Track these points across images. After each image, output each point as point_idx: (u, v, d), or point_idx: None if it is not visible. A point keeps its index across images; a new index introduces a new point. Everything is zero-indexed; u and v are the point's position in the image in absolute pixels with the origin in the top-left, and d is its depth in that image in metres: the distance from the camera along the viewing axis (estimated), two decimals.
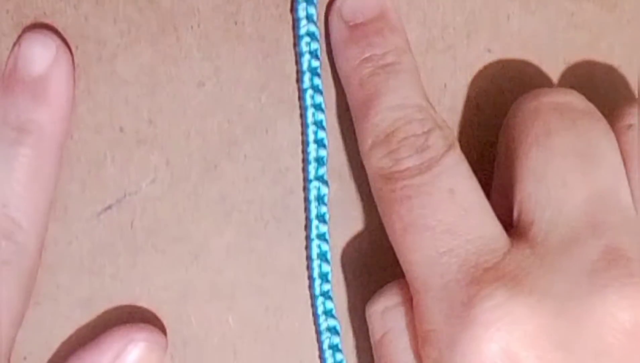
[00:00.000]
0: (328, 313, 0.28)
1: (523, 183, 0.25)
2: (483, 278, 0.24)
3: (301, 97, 0.28)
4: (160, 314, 0.28)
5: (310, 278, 0.28)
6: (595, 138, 0.25)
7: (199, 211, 0.28)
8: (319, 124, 0.28)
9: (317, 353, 0.28)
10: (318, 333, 0.28)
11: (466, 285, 0.24)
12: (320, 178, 0.28)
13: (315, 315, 0.28)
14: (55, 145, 0.26)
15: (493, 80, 0.29)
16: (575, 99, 0.26)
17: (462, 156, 0.26)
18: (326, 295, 0.28)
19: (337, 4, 0.28)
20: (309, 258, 0.28)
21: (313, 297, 0.28)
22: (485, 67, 0.29)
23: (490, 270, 0.24)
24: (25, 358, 0.27)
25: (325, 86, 0.28)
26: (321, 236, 0.28)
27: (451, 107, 0.29)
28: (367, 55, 0.27)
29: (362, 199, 0.28)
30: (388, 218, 0.26)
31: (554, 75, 0.29)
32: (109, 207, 0.27)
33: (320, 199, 0.28)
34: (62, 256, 0.27)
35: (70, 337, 0.27)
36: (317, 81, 0.28)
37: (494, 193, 0.27)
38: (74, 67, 0.27)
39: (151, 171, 0.28)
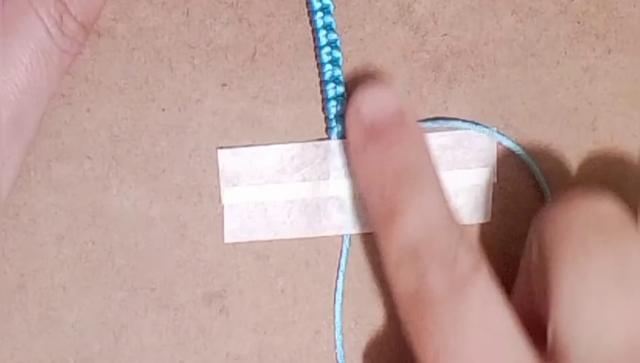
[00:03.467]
0: None
1: (558, 305, 0.24)
2: None
3: None
4: None
5: None
6: (633, 256, 0.24)
7: None
8: None
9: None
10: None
11: None
12: None
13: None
14: None
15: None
16: (610, 209, 0.25)
17: (491, 276, 0.25)
18: None
19: (355, 105, 0.27)
20: None
21: None
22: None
23: None
24: None
25: None
26: None
27: None
28: (386, 160, 0.26)
29: None
30: (417, 343, 0.25)
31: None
32: None
33: None
34: None
35: None
36: None
37: (516, 296, 0.27)
38: None
39: None
